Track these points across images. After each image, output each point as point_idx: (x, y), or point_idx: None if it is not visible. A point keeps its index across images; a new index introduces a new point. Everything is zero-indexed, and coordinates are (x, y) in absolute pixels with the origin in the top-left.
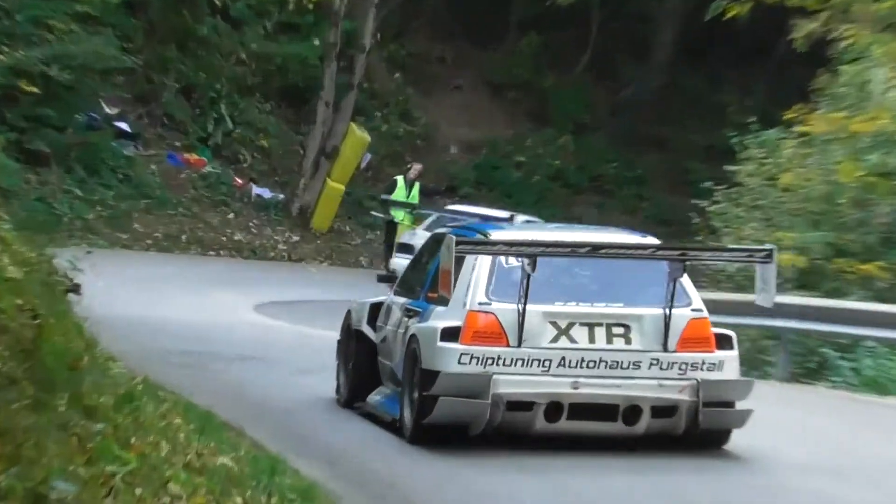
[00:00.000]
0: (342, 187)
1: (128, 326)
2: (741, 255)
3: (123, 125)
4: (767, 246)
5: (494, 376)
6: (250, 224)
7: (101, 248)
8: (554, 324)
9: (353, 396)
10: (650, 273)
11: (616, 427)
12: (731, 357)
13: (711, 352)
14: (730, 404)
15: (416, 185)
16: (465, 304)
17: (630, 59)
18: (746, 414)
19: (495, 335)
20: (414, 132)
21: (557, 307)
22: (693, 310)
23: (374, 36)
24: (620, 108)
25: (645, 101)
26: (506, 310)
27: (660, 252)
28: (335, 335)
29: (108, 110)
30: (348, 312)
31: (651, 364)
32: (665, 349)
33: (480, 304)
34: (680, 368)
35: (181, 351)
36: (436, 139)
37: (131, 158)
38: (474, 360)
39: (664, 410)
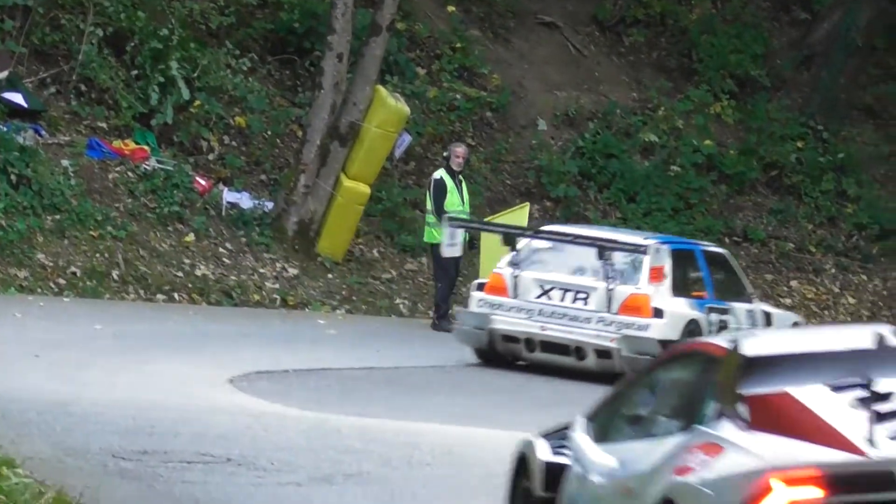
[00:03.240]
0: (366, 188)
1: (33, 414)
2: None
3: (15, 97)
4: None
5: (492, 316)
6: (221, 250)
7: None
8: (541, 286)
9: None
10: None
11: (571, 360)
12: (656, 323)
13: (643, 317)
14: (648, 354)
15: (464, 182)
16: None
17: None
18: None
19: (497, 289)
20: (481, 99)
21: (544, 275)
22: (636, 287)
23: None
24: (812, 57)
25: (852, 46)
26: (507, 274)
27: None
28: (360, 421)
29: None
30: None
31: (598, 321)
32: (608, 311)
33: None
34: (616, 325)
35: (118, 451)
36: (515, 110)
37: (30, 150)
38: (486, 305)
39: (603, 353)
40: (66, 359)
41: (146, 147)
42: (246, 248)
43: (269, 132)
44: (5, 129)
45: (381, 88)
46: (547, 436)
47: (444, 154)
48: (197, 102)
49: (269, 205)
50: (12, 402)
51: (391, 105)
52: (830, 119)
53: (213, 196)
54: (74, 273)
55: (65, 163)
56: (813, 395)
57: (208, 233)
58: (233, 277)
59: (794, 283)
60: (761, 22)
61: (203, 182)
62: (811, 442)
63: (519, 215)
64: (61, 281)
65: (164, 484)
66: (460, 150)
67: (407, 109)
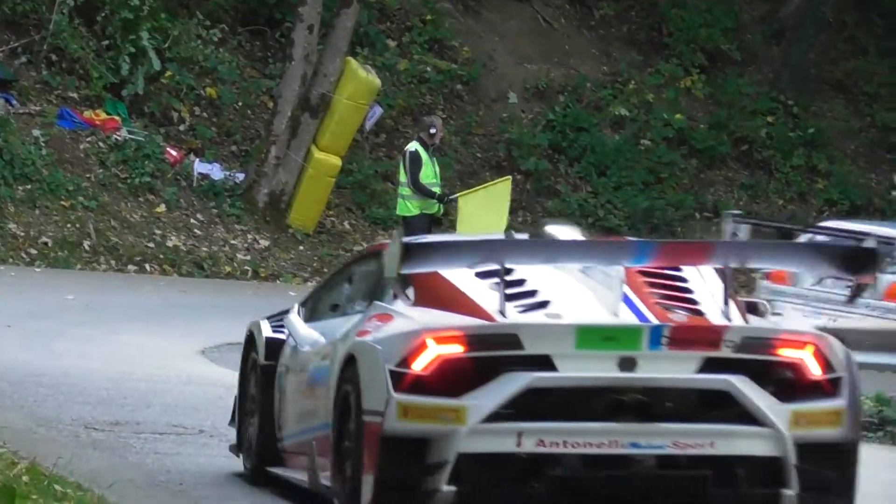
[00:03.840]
0: (337, 160)
1: (5, 385)
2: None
3: None
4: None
5: (775, 302)
6: (192, 221)
7: None
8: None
9: None
10: None
11: None
12: None
13: None
14: None
15: (434, 159)
16: None
17: None
18: None
19: (779, 278)
20: (451, 71)
21: None
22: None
23: None
24: (783, 32)
25: (822, 21)
26: None
27: None
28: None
29: None
30: None
31: (864, 306)
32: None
33: None
34: (880, 311)
35: (91, 421)
36: (486, 82)
37: (1, 119)
38: (769, 292)
39: None
40: (38, 329)
41: (117, 117)
42: (217, 219)
43: (240, 103)
44: None
45: (351, 60)
46: (270, 318)
47: (431, 130)
48: (168, 73)
49: (240, 176)
50: None
51: (362, 77)
52: (801, 94)
53: (184, 167)
54: (46, 243)
55: (36, 133)
56: (459, 277)
57: (179, 204)
58: (204, 249)
59: None
60: None
61: (174, 153)
62: (458, 312)
63: (501, 190)
64: (33, 251)
65: (137, 455)
66: (440, 122)
67: (378, 81)
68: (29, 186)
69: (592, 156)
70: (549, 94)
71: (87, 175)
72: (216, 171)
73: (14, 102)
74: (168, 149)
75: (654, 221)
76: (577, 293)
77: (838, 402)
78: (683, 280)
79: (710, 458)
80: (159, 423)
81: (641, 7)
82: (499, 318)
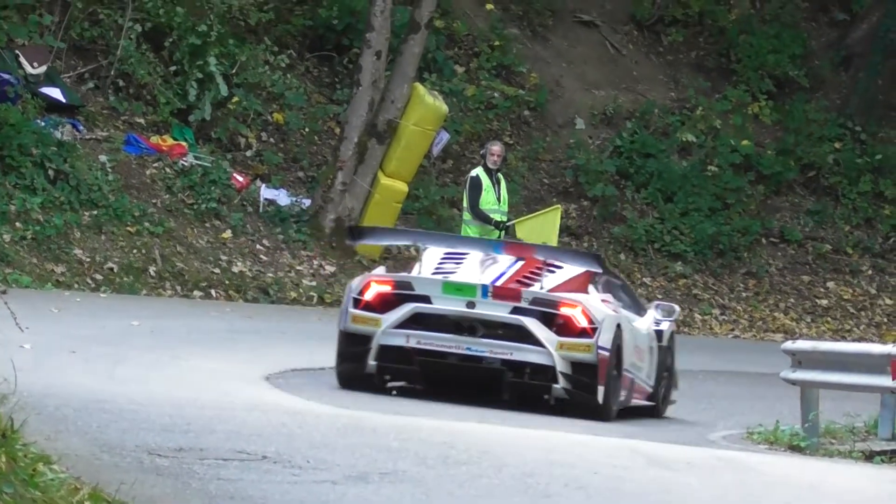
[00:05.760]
0: (404, 186)
1: (69, 410)
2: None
3: (54, 92)
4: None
5: None
6: (258, 247)
7: (22, 287)
8: None
9: None
10: None
11: None
12: None
13: None
14: None
15: (502, 181)
16: None
17: None
18: None
19: None
20: (518, 97)
21: None
22: None
23: None
24: (850, 58)
25: (890, 48)
26: None
27: None
28: (396, 419)
29: (29, 68)
30: None
31: None
32: None
33: None
34: None
35: (154, 447)
36: (553, 108)
37: (67, 145)
38: None
39: None
40: (102, 355)
41: (184, 143)
42: (283, 245)
43: (307, 129)
44: (43, 123)
45: (419, 86)
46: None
47: (481, 152)
48: (235, 99)
49: (307, 202)
50: (48, 398)
51: (429, 103)
52: (868, 120)
53: (251, 193)
54: (111, 269)
55: (102, 158)
56: (429, 256)
57: (245, 229)
58: (270, 274)
59: (830, 285)
60: (800, 22)
61: (240, 178)
62: (408, 272)
63: (551, 218)
64: (98, 276)
65: (200, 481)
66: (496, 148)
67: (445, 107)
68: (95, 212)
69: (659, 182)
70: (617, 119)
71: (154, 200)
72: (283, 197)
73: (81, 128)
74: (234, 174)
75: (720, 247)
76: (474, 267)
77: (591, 340)
78: (551, 269)
79: (510, 361)
80: (223, 449)
81: (709, 33)
82: (416, 275)
